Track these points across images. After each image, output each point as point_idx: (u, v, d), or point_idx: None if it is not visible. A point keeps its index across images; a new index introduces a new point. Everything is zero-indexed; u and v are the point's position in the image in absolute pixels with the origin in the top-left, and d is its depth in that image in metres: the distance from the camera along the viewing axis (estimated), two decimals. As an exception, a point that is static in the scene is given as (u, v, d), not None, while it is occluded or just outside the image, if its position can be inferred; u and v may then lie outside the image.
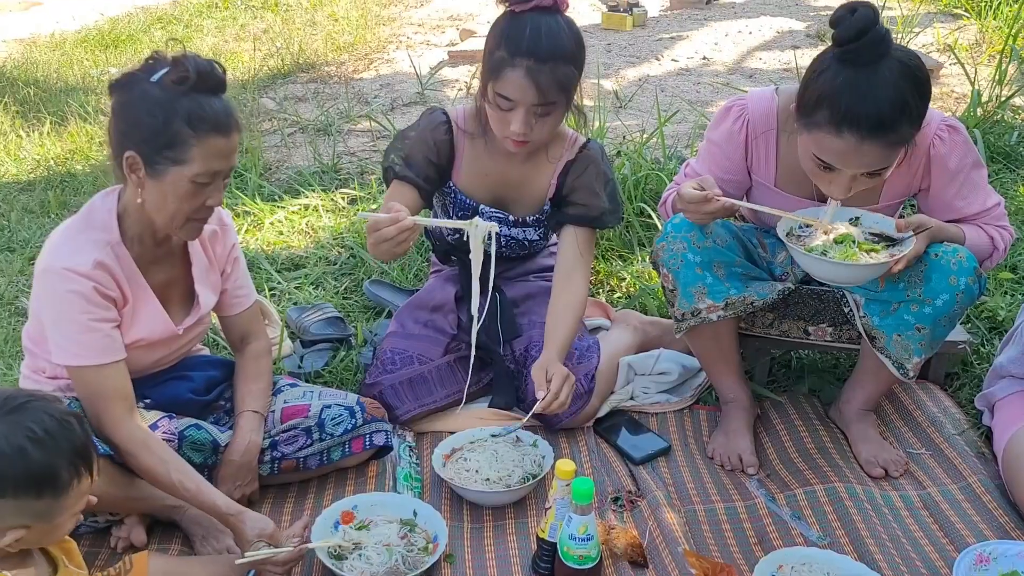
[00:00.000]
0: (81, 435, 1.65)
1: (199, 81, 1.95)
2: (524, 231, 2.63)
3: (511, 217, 2.59)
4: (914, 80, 2.03)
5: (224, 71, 2.01)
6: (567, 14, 2.35)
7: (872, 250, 2.16)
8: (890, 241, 2.19)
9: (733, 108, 2.37)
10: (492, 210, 2.57)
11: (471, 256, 2.23)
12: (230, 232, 2.31)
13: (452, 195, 2.59)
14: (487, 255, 2.24)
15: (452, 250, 2.75)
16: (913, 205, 2.48)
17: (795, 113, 2.13)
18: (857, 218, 2.25)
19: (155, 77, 1.96)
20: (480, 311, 2.26)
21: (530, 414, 2.35)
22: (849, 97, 2.00)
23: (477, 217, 2.26)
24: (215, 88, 1.99)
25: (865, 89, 1.99)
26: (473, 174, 2.57)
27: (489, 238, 2.24)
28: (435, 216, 2.73)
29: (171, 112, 1.94)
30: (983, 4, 6.11)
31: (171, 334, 2.18)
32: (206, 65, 1.96)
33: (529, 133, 2.34)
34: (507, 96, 2.30)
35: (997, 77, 4.33)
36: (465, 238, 2.23)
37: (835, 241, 2.17)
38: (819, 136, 2.07)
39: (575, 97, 2.39)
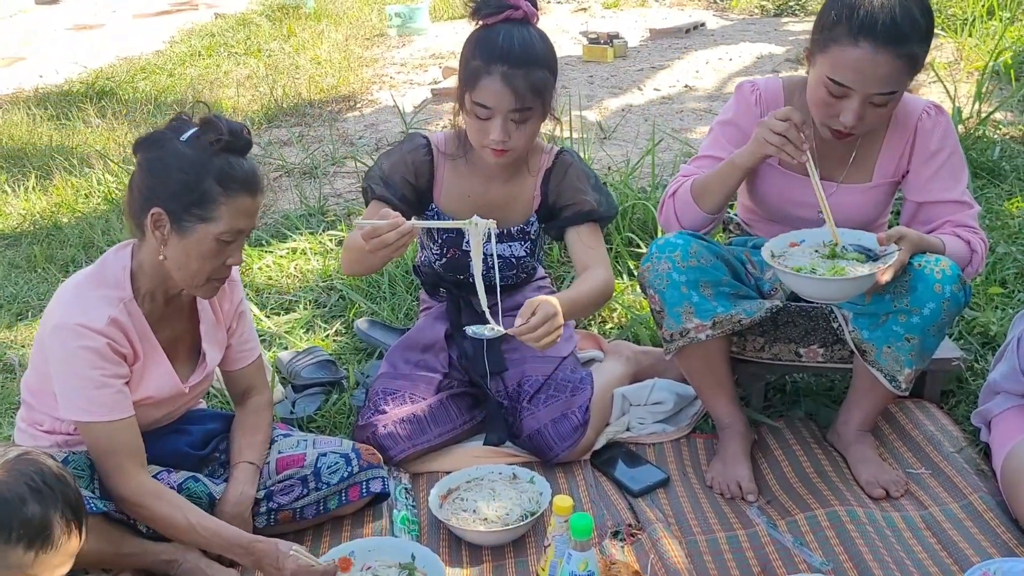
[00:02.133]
0: (75, 491, 1.67)
1: (230, 141, 1.98)
2: (510, 246, 2.63)
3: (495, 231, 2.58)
4: (920, 2, 2.21)
5: (250, 133, 2.05)
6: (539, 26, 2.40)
7: (857, 260, 2.19)
8: (873, 258, 2.21)
9: (745, 84, 2.52)
10: None
11: (471, 253, 2.25)
12: (237, 288, 2.31)
13: (435, 217, 2.60)
14: (486, 257, 2.25)
15: (440, 281, 2.75)
16: (898, 212, 2.53)
17: (812, 42, 2.27)
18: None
19: (184, 136, 1.99)
20: (492, 307, 2.25)
21: (503, 332, 2.23)
22: (864, 8, 2.17)
23: (476, 216, 2.25)
24: (243, 149, 2.03)
25: (880, 2, 2.17)
26: (455, 196, 2.58)
27: (488, 238, 2.25)
28: (420, 241, 2.76)
29: (203, 171, 1.97)
30: (959, 23, 6.18)
31: (178, 392, 2.18)
32: (237, 127, 2.01)
33: (508, 141, 2.37)
34: (484, 104, 2.33)
35: (977, 94, 4.36)
36: (465, 238, 2.25)
37: (822, 257, 2.20)
38: (835, 51, 2.19)
39: (550, 105, 2.42)
